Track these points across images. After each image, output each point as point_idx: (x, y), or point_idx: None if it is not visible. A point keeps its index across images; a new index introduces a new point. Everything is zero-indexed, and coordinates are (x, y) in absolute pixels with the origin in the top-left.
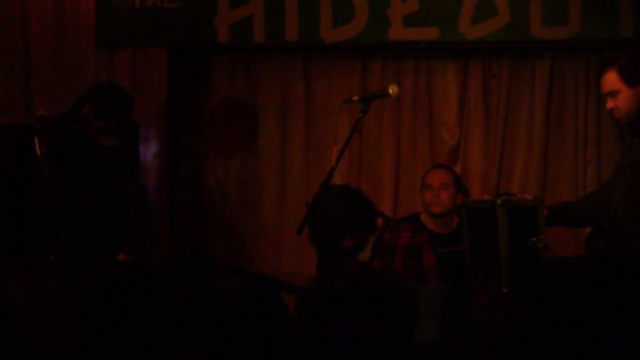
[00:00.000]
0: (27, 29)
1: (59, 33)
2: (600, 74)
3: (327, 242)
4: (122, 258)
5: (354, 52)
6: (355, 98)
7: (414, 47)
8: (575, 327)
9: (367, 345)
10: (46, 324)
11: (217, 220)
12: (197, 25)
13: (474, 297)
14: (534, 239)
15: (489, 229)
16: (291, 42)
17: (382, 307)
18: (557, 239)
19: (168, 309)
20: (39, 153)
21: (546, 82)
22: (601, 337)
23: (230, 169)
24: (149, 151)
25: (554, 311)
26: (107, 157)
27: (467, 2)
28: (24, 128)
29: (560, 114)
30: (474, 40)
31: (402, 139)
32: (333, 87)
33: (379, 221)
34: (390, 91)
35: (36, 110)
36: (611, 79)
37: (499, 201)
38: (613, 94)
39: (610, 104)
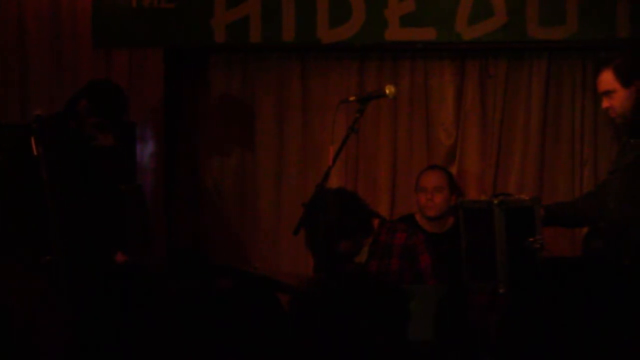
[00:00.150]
0: (24, 29)
1: (56, 33)
2: (596, 73)
3: (324, 247)
4: (118, 258)
5: (351, 52)
6: (352, 98)
7: (411, 47)
8: (573, 328)
9: (362, 345)
10: (43, 325)
11: (213, 220)
12: (193, 25)
13: (471, 297)
14: (530, 239)
15: (486, 229)
16: (288, 43)
17: (376, 307)
18: (554, 239)
19: (164, 308)
20: (35, 153)
21: (543, 83)
22: (599, 337)
23: (227, 169)
24: (146, 151)
25: (551, 311)
26: (103, 157)
27: (464, 3)
28: (21, 128)
29: (557, 115)
30: (471, 40)
31: (398, 139)
32: (330, 87)
33: (375, 222)
34: (387, 91)
35: (33, 110)
36: (607, 79)
37: (495, 201)
38: (608, 93)
39: (605, 103)
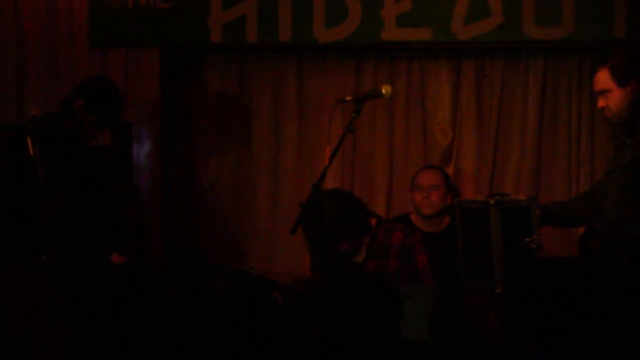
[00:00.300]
0: (21, 29)
1: (52, 32)
2: (592, 72)
3: (323, 248)
4: (116, 259)
5: (347, 52)
6: (348, 98)
7: (407, 47)
8: (569, 327)
9: (357, 344)
10: (40, 324)
11: (210, 220)
12: (190, 25)
13: (468, 298)
14: (527, 239)
15: (483, 229)
16: (284, 43)
17: (371, 306)
18: (550, 239)
19: (161, 308)
20: (31, 153)
21: (539, 83)
22: (595, 336)
23: (223, 169)
24: (142, 151)
25: (548, 311)
26: (100, 157)
27: (460, 3)
28: (17, 128)
29: (554, 114)
30: (467, 40)
31: (395, 139)
32: (326, 87)
33: (373, 221)
34: (384, 91)
35: (29, 110)
36: (603, 78)
37: (492, 201)
38: (604, 92)
39: (601, 102)
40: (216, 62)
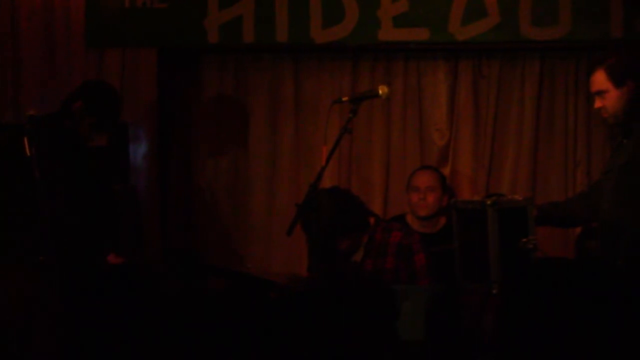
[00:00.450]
0: (17, 29)
1: (49, 33)
2: (589, 73)
3: (323, 246)
4: (112, 259)
5: (344, 52)
6: (345, 98)
7: (404, 47)
8: (566, 327)
9: (352, 344)
10: (36, 324)
11: (207, 220)
12: (186, 25)
13: (464, 298)
14: (524, 240)
15: (479, 230)
16: (281, 43)
17: (367, 306)
18: (547, 240)
19: (158, 308)
20: (28, 153)
21: (536, 83)
22: (592, 336)
23: (220, 169)
24: (139, 151)
25: (545, 311)
26: (97, 157)
27: (457, 3)
28: (14, 128)
29: (550, 115)
30: (464, 40)
31: (392, 140)
32: (323, 87)
33: (371, 220)
34: (380, 92)
35: (26, 110)
36: (599, 79)
37: (489, 202)
38: (601, 93)
39: (597, 103)
40: (213, 63)
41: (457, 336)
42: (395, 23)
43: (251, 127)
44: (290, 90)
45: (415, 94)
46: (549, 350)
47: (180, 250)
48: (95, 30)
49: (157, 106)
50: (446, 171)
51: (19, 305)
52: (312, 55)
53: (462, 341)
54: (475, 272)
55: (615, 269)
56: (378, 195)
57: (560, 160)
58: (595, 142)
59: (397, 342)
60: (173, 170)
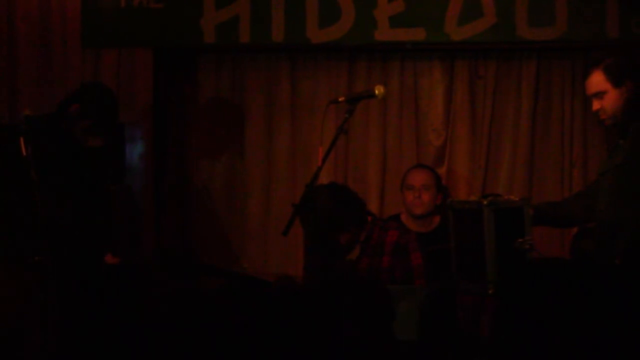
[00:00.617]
0: (13, 29)
1: (45, 32)
2: (585, 75)
3: (324, 241)
4: (109, 259)
5: (340, 52)
6: (341, 99)
7: (400, 47)
8: (562, 327)
9: (348, 344)
10: (32, 325)
11: (203, 221)
12: (183, 25)
13: (460, 298)
14: (520, 240)
15: (475, 230)
16: (277, 43)
17: (361, 306)
18: (543, 240)
19: (153, 308)
20: (24, 153)
21: (532, 83)
22: (588, 336)
23: (216, 170)
24: (135, 151)
25: (541, 311)
26: (93, 157)
27: (453, 3)
28: (10, 128)
29: (547, 115)
30: (460, 41)
31: (388, 140)
32: (319, 87)
33: (369, 219)
34: (377, 92)
35: (22, 110)
36: (597, 80)
37: (485, 202)
38: (599, 95)
39: (596, 105)
40: (209, 63)
41: (453, 336)
42: (391, 23)
43: (247, 127)
44: (286, 91)
45: (412, 94)
46: (545, 351)
47: (176, 250)
48: (91, 30)
49: (153, 106)
50: (442, 171)
51: (14, 306)
52: (308, 55)
53: (458, 341)
54: (472, 272)
55: (611, 269)
56: (374, 196)
57: (557, 160)
58: (592, 142)
59: (392, 341)
60: (169, 171)
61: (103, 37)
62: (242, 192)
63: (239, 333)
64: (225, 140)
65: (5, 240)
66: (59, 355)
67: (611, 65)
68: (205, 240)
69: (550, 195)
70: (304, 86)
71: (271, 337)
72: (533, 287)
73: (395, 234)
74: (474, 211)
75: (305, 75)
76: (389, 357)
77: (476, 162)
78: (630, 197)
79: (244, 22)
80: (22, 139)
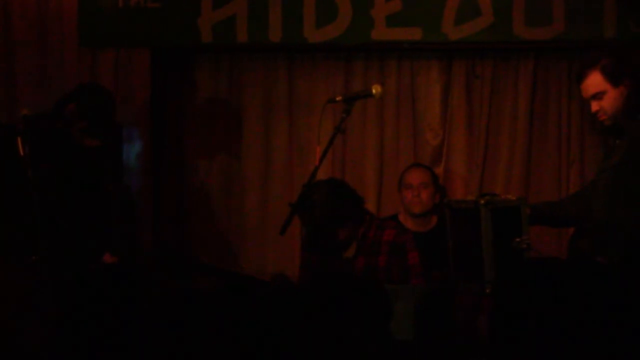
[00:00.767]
0: (10, 29)
1: (42, 32)
2: (580, 78)
3: (323, 236)
4: (107, 259)
5: (338, 52)
6: (338, 98)
7: (398, 47)
8: (559, 327)
9: (344, 344)
10: (28, 324)
11: (200, 221)
12: (180, 25)
13: (458, 298)
14: (517, 239)
15: (472, 229)
16: (274, 42)
17: (359, 305)
18: (540, 239)
19: (151, 308)
20: (22, 153)
21: (529, 83)
22: (585, 336)
23: (214, 169)
24: (133, 151)
25: (538, 311)
26: (90, 157)
27: (451, 3)
28: (7, 128)
29: (544, 115)
30: (457, 40)
31: (385, 139)
32: (316, 87)
33: (366, 217)
34: (374, 91)
35: (19, 110)
36: (595, 81)
37: (482, 201)
38: (598, 96)
39: (595, 106)
40: (206, 62)
41: (450, 336)
42: (388, 22)
43: (245, 126)
44: (283, 90)
45: (409, 93)
46: (543, 350)
47: (174, 250)
48: (89, 30)
49: (150, 106)
50: (439, 170)
51: (10, 305)
52: (305, 55)
53: (455, 341)
54: (469, 272)
55: (607, 269)
56: (371, 195)
57: (554, 159)
58: (589, 141)
59: (389, 341)
60: (167, 170)
61: (100, 36)
62: (240, 192)
63: (235, 333)
64: (223, 139)
65: (3, 240)
66: (56, 355)
67: (608, 65)
68: (203, 240)
69: (547, 195)
70: (301, 86)
71: (268, 336)
72: (530, 286)
73: (392, 233)
74: (471, 210)
75: (302, 74)
76: (386, 356)
77: (473, 162)
78: (627, 197)
79: (241, 22)
80: (19, 139)
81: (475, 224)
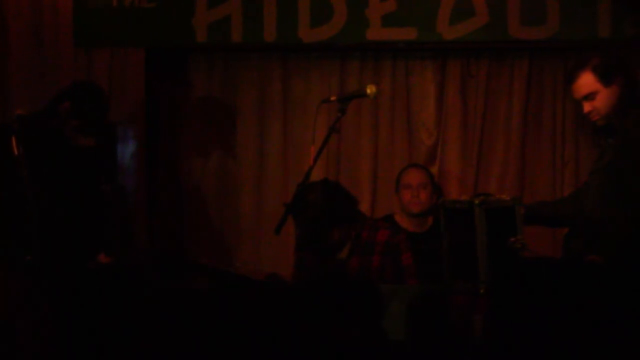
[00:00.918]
0: (5, 28)
1: (37, 32)
2: (572, 79)
3: (317, 236)
4: (101, 259)
5: (332, 52)
6: (333, 98)
7: (392, 47)
8: (554, 326)
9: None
10: (23, 324)
11: (195, 221)
12: (174, 24)
13: (452, 297)
14: (512, 239)
15: (467, 229)
16: (269, 42)
17: (353, 305)
18: (535, 239)
19: (145, 308)
20: (16, 153)
21: (524, 82)
22: (579, 335)
23: (208, 169)
24: (127, 151)
25: (533, 311)
26: (85, 157)
27: (445, 2)
28: (1, 128)
29: (538, 114)
30: (452, 40)
31: (380, 139)
32: (311, 87)
33: (359, 217)
34: (368, 91)
35: (14, 109)
36: (587, 81)
37: (476, 201)
38: (591, 96)
39: (587, 107)
40: (201, 62)
41: (445, 336)
42: (383, 22)
43: (239, 126)
44: (278, 90)
45: (404, 93)
46: (537, 350)
47: (168, 250)
48: (83, 29)
49: (145, 106)
50: (434, 170)
51: (5, 305)
52: (300, 55)
53: (450, 341)
54: (463, 272)
55: (600, 269)
56: (366, 195)
57: (549, 159)
58: (583, 141)
59: (383, 341)
60: (161, 170)
61: (95, 36)
62: (234, 192)
63: (230, 332)
64: (217, 139)
65: None
66: (51, 355)
67: (599, 65)
68: (198, 240)
69: (541, 195)
70: (296, 85)
71: (262, 335)
72: (525, 286)
73: (386, 234)
74: (465, 210)
75: (297, 74)
76: (379, 356)
77: (468, 161)
78: (618, 196)
79: (236, 22)
80: (14, 138)
81: (470, 224)
